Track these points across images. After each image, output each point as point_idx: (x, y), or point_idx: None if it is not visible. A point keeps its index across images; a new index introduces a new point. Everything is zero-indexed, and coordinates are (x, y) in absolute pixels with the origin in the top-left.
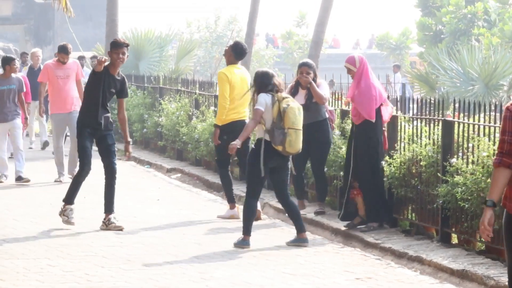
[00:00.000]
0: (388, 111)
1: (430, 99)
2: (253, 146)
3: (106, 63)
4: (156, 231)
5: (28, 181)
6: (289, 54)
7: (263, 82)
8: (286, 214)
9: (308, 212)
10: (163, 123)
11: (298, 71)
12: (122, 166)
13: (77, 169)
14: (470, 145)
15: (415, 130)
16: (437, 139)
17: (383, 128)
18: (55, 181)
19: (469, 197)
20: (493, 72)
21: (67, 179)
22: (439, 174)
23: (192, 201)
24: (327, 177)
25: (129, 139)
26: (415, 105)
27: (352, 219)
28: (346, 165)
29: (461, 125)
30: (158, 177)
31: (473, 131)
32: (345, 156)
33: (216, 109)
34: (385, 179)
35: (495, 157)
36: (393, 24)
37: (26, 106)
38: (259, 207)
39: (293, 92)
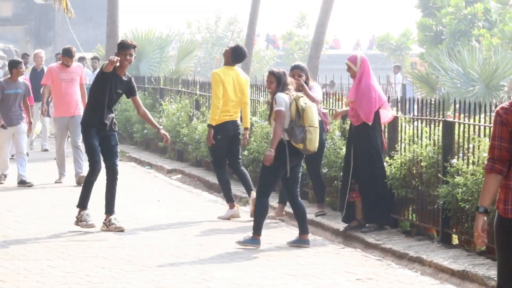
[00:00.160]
0: (388, 116)
1: (431, 100)
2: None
3: (117, 64)
4: (156, 232)
5: (31, 185)
6: (289, 55)
7: (282, 82)
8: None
9: (308, 213)
10: (164, 124)
11: (290, 74)
12: (122, 167)
13: (82, 170)
14: (471, 145)
15: (415, 131)
16: (438, 139)
17: (381, 129)
18: (56, 182)
19: (469, 198)
20: (493, 72)
21: (67, 180)
22: (439, 174)
23: (193, 202)
24: (328, 178)
25: (159, 126)
26: (415, 106)
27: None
28: (345, 167)
29: (462, 126)
30: (158, 178)
31: (474, 131)
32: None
33: None
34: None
35: (486, 163)
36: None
37: (30, 108)
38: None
39: None
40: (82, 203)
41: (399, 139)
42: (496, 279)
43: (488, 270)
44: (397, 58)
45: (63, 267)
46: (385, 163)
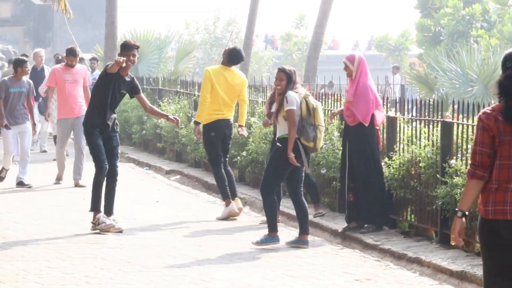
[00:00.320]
0: (381, 117)
1: (429, 101)
2: (278, 144)
3: (123, 65)
4: (155, 233)
5: (30, 186)
6: (288, 56)
7: (292, 80)
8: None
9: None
10: (162, 124)
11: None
12: (121, 168)
13: (80, 177)
14: (469, 146)
15: (414, 132)
16: (436, 140)
17: (377, 127)
18: (55, 183)
19: None
20: (492, 73)
21: (66, 182)
22: (438, 175)
23: (191, 203)
24: (326, 178)
25: (167, 114)
26: (412, 106)
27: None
28: (342, 167)
29: (460, 127)
30: (157, 178)
31: (472, 132)
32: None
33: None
34: (384, 180)
35: (468, 168)
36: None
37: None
38: (240, 204)
39: (271, 100)
40: (95, 206)
41: (398, 139)
42: None
43: None
44: (395, 58)
45: (62, 268)
46: (383, 164)
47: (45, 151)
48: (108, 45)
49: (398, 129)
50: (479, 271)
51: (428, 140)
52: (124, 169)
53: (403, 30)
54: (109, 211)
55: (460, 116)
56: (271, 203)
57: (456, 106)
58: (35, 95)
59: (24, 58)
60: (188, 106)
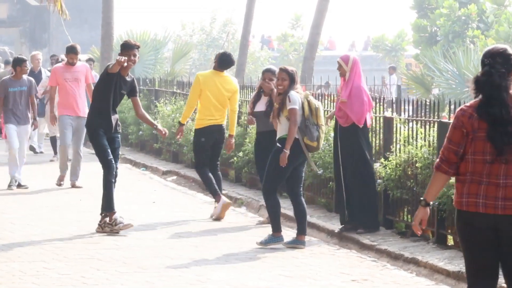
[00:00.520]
0: (370, 118)
1: (426, 101)
2: (278, 145)
3: (125, 65)
4: (152, 233)
5: (26, 187)
6: (284, 56)
7: (295, 80)
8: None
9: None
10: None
11: (261, 77)
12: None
13: (77, 178)
14: None
15: (410, 132)
16: (433, 140)
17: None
18: (57, 184)
19: None
20: None
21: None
22: None
23: (188, 204)
24: (323, 179)
25: (156, 123)
26: (410, 107)
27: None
28: (335, 168)
29: None
30: (153, 179)
31: None
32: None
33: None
34: (380, 180)
35: (437, 160)
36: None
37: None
38: (225, 201)
39: (255, 100)
40: (110, 207)
41: (394, 140)
42: None
43: None
44: (392, 59)
45: (59, 269)
46: (380, 164)
47: (41, 152)
48: (104, 46)
49: (394, 129)
50: None
51: (425, 141)
52: (121, 170)
53: (400, 30)
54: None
55: None
56: (273, 203)
57: (452, 107)
58: (37, 92)
59: (23, 57)
60: (184, 107)
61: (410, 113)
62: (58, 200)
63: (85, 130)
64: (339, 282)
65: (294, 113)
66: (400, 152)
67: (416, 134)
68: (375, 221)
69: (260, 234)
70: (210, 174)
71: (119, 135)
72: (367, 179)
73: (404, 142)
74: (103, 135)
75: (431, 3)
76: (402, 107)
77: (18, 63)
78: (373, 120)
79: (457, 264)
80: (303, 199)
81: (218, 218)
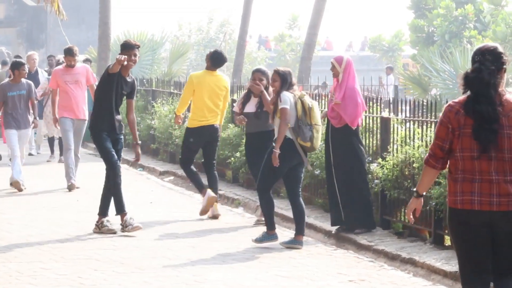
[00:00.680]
0: (361, 119)
1: (423, 101)
2: (273, 144)
3: (124, 63)
4: (149, 233)
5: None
6: (281, 57)
7: (287, 81)
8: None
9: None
10: (156, 126)
11: (251, 77)
12: None
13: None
14: None
15: (407, 132)
16: (430, 141)
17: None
18: (68, 187)
19: None
20: None
21: (60, 183)
22: None
23: (185, 204)
24: (320, 179)
25: (139, 141)
26: (407, 107)
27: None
28: (327, 168)
29: None
30: (151, 180)
31: None
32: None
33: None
34: (377, 181)
35: (427, 154)
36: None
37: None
38: (210, 194)
39: (245, 100)
40: (119, 208)
41: (391, 140)
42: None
43: None
44: (389, 59)
45: (56, 269)
46: (377, 165)
47: (38, 153)
48: (101, 46)
49: (391, 129)
50: None
51: (422, 141)
52: None
53: (397, 30)
54: (104, 212)
55: None
56: (267, 202)
57: None
58: (36, 95)
59: (22, 60)
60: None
61: (407, 114)
62: (56, 201)
63: (84, 133)
64: (336, 283)
65: (285, 112)
66: (397, 152)
67: (413, 134)
68: (371, 220)
69: (256, 234)
70: (194, 169)
71: (122, 136)
72: (360, 179)
73: (401, 142)
74: (106, 138)
75: (428, 3)
76: (399, 108)
77: (16, 66)
78: (370, 120)
79: (454, 265)
80: (301, 200)
81: (214, 216)
